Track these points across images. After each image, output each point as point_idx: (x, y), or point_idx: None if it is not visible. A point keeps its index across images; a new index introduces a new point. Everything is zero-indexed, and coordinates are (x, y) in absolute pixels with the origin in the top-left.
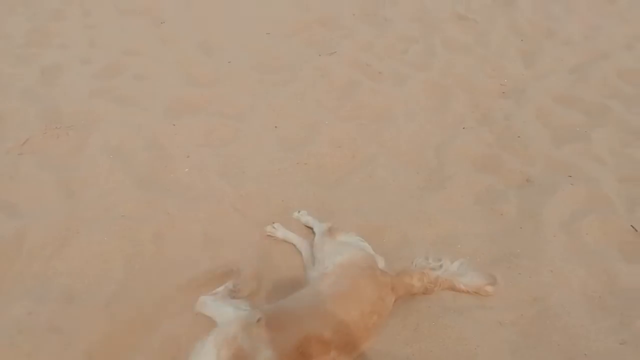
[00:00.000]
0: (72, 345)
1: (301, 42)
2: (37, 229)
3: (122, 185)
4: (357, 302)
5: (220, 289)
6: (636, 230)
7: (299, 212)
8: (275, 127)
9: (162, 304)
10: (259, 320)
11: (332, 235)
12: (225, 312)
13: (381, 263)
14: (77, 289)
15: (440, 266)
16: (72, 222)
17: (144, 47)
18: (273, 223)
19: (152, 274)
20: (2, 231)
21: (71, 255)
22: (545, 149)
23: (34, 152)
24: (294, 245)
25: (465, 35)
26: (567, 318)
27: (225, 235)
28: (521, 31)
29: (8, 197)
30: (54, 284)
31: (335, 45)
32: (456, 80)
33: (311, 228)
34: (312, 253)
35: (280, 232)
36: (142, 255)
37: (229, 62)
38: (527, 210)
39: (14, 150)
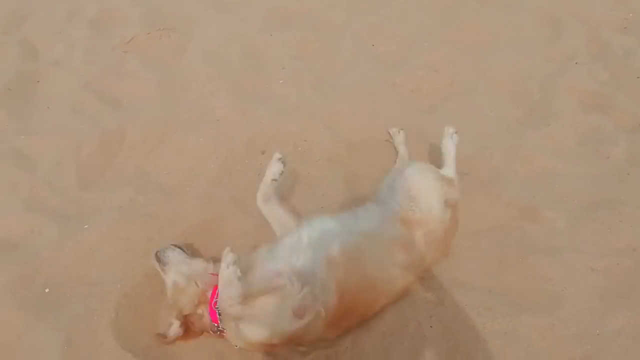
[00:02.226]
0: (167, 230)
1: None
2: (138, 124)
3: (219, 91)
4: None
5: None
6: None
7: (399, 131)
8: (372, 45)
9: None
10: None
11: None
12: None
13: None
14: (172, 182)
15: None
16: (171, 121)
17: None
18: (399, 130)
19: (243, 175)
20: (106, 124)
21: (168, 152)
22: None
23: (138, 51)
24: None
25: None
26: None
27: (313, 148)
28: None
29: (113, 92)
30: (151, 176)
31: None
32: (572, 10)
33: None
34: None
35: (399, 139)
36: (233, 158)
37: None
38: (637, 156)
39: (119, 47)
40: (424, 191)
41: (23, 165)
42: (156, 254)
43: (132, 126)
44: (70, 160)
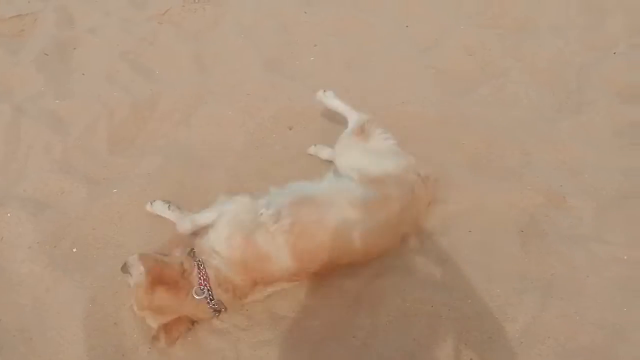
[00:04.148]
0: (193, 198)
1: None
2: (169, 94)
3: (250, 65)
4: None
5: None
6: None
7: (324, 91)
8: (407, 26)
9: (279, 170)
10: None
11: (365, 137)
12: None
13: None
14: (200, 152)
15: None
16: (201, 92)
17: None
18: (324, 90)
19: (270, 149)
20: (139, 93)
21: (198, 122)
22: None
23: (172, 23)
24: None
25: None
26: None
27: (339, 127)
28: None
29: (146, 61)
30: (180, 146)
31: None
32: None
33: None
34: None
35: (335, 101)
36: (261, 132)
37: None
38: None
39: (154, 18)
40: (358, 160)
41: (57, 128)
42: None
43: (163, 96)
44: (103, 126)
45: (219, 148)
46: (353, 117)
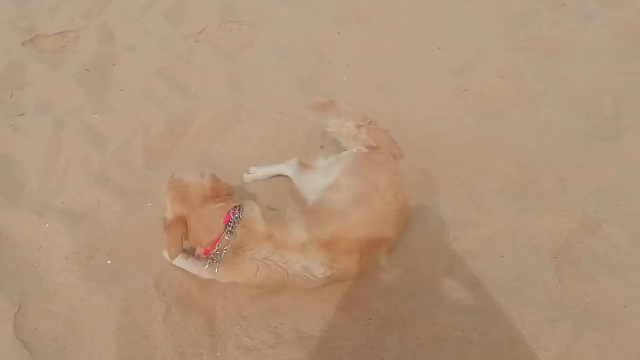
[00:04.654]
0: None
1: None
2: (204, 111)
3: (284, 84)
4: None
5: None
6: None
7: (247, 172)
8: (439, 47)
9: None
10: None
11: (308, 167)
12: None
13: None
14: (234, 169)
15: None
16: (235, 110)
17: None
18: (248, 170)
19: None
20: (175, 109)
21: (232, 139)
22: None
23: (208, 41)
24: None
25: None
26: None
27: None
28: None
29: (183, 79)
30: (214, 162)
31: None
32: None
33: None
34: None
35: (259, 171)
36: (293, 150)
37: None
38: None
39: (191, 37)
40: (320, 181)
41: (95, 141)
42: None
43: (198, 112)
44: (139, 141)
45: (252, 165)
46: (286, 167)
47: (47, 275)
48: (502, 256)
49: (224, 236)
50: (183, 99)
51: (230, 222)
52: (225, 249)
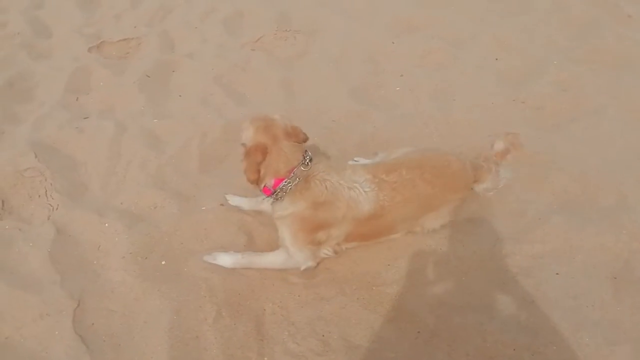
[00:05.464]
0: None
1: None
2: None
3: (337, 93)
4: None
5: None
6: None
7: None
8: (496, 59)
9: None
10: None
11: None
12: None
13: None
14: None
15: None
16: (289, 118)
17: None
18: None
19: None
20: (231, 115)
21: None
22: None
23: (264, 50)
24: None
25: None
26: None
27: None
28: None
29: (239, 86)
30: None
31: None
32: None
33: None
34: None
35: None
36: (345, 159)
37: None
38: None
39: (248, 45)
40: None
41: (154, 145)
42: None
43: None
44: (195, 146)
45: None
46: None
47: (105, 274)
48: (558, 274)
49: (299, 167)
50: (238, 105)
51: (305, 156)
52: (299, 179)
